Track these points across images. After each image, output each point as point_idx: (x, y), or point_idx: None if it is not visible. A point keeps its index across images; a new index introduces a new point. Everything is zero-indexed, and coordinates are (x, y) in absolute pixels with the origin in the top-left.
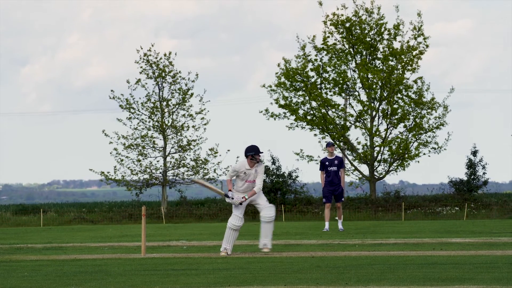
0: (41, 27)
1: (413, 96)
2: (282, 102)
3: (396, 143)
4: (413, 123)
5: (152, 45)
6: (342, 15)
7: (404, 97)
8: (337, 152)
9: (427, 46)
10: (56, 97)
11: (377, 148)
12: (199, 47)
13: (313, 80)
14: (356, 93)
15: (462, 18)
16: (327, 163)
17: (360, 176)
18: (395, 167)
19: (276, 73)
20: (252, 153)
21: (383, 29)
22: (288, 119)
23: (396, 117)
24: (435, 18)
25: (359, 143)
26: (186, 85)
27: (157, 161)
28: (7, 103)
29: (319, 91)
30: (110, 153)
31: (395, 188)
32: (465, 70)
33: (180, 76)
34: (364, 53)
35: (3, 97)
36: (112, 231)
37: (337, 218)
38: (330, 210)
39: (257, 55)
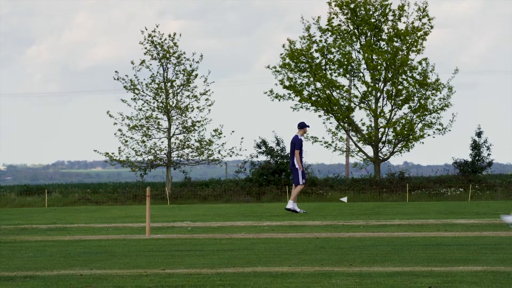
0: (47, 8)
1: (417, 77)
2: (286, 83)
3: (400, 124)
4: (418, 104)
5: (157, 26)
6: None
7: (409, 78)
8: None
9: (431, 27)
10: (61, 78)
11: (381, 129)
12: (205, 28)
13: (317, 61)
14: (361, 74)
15: None
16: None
17: (365, 157)
18: (400, 148)
19: (281, 54)
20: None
21: (387, 10)
22: (293, 100)
23: (401, 98)
24: None
25: (363, 124)
26: (190, 66)
27: (162, 142)
28: (12, 83)
29: (324, 72)
30: (115, 134)
31: (399, 169)
32: (472, 51)
33: (184, 57)
34: (368, 34)
35: (8, 78)
36: (117, 212)
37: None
38: (301, 191)
39: (264, 36)
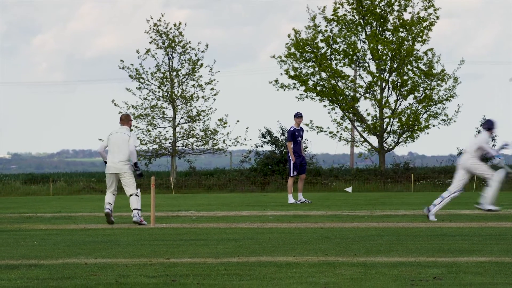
0: None
1: (423, 67)
2: (292, 73)
3: (405, 115)
4: (423, 94)
5: (162, 15)
6: None
7: (414, 69)
8: None
9: (437, 17)
10: (67, 67)
11: (386, 120)
12: (211, 17)
13: (323, 51)
14: (366, 64)
15: None
16: (296, 133)
17: (370, 147)
18: (405, 139)
19: (286, 44)
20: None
21: (393, 0)
22: (298, 90)
23: (406, 88)
24: None
25: (368, 114)
26: (196, 55)
27: (167, 131)
28: (18, 72)
29: (329, 62)
30: None
31: (404, 160)
32: (478, 41)
33: (190, 47)
34: (374, 24)
35: (13, 67)
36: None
37: (296, 191)
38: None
39: (270, 26)
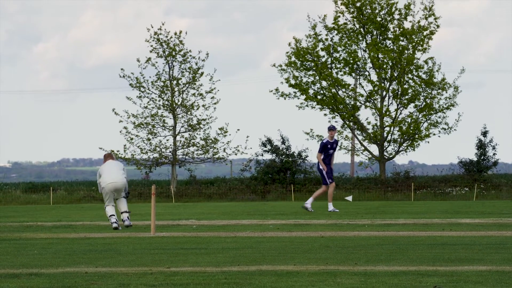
0: (54, 5)
1: (423, 76)
2: (292, 81)
3: (406, 123)
4: (424, 103)
5: (163, 24)
6: None
7: (415, 77)
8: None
9: (438, 26)
10: (68, 75)
11: (387, 128)
12: (212, 26)
13: (323, 59)
14: (367, 73)
15: None
16: (329, 146)
17: (370, 156)
18: (405, 148)
19: (287, 53)
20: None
21: (393, 9)
22: (298, 98)
23: (407, 97)
24: None
25: (369, 123)
26: (196, 64)
27: (167, 140)
28: (19, 81)
29: (330, 70)
30: (120, 131)
31: (404, 169)
32: (479, 50)
33: (190, 55)
34: (374, 33)
35: (15, 75)
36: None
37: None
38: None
39: (271, 34)
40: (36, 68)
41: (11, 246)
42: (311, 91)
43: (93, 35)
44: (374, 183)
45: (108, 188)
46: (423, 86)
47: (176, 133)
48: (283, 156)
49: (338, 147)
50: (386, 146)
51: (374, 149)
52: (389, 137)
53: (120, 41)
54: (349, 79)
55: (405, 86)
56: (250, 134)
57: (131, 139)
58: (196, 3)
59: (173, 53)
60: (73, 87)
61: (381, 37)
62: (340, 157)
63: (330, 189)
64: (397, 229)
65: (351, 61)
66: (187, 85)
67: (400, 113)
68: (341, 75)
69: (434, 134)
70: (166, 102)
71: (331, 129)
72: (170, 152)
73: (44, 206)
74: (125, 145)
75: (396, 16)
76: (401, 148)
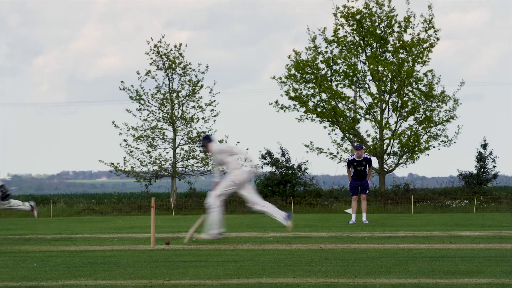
0: (55, 18)
1: (423, 89)
2: (292, 94)
3: (406, 136)
4: (423, 116)
5: (163, 36)
6: (352, 7)
7: (415, 90)
8: (365, 154)
9: (437, 39)
10: (68, 88)
11: (386, 141)
12: (212, 38)
13: (323, 72)
14: (366, 86)
15: (478, 8)
16: (355, 163)
17: None
18: (405, 160)
19: (287, 65)
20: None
21: (393, 21)
22: (298, 111)
23: (406, 109)
24: (450, 8)
25: (369, 135)
26: (196, 76)
27: (167, 153)
28: (19, 93)
29: (329, 83)
30: (120, 144)
31: (404, 181)
32: (479, 63)
33: (190, 68)
34: (374, 45)
35: (15, 87)
36: (122, 223)
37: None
38: (356, 202)
39: (271, 47)
40: (36, 80)
41: (10, 259)
42: (310, 104)
43: (93, 47)
44: (374, 196)
45: None
46: (422, 98)
47: (176, 145)
48: (283, 169)
49: (368, 165)
50: (386, 159)
51: (374, 161)
52: (388, 150)
53: (120, 54)
54: (349, 92)
55: (405, 98)
56: (250, 146)
57: (131, 151)
58: (196, 15)
59: (173, 66)
60: (73, 100)
61: (380, 50)
62: (340, 169)
63: (352, 202)
64: (397, 241)
65: (351, 74)
66: (186, 98)
67: (400, 126)
68: (341, 87)
69: (434, 147)
70: (166, 115)
71: (357, 148)
72: (169, 164)
73: (43, 219)
74: (125, 158)
75: (396, 29)
76: (401, 161)
